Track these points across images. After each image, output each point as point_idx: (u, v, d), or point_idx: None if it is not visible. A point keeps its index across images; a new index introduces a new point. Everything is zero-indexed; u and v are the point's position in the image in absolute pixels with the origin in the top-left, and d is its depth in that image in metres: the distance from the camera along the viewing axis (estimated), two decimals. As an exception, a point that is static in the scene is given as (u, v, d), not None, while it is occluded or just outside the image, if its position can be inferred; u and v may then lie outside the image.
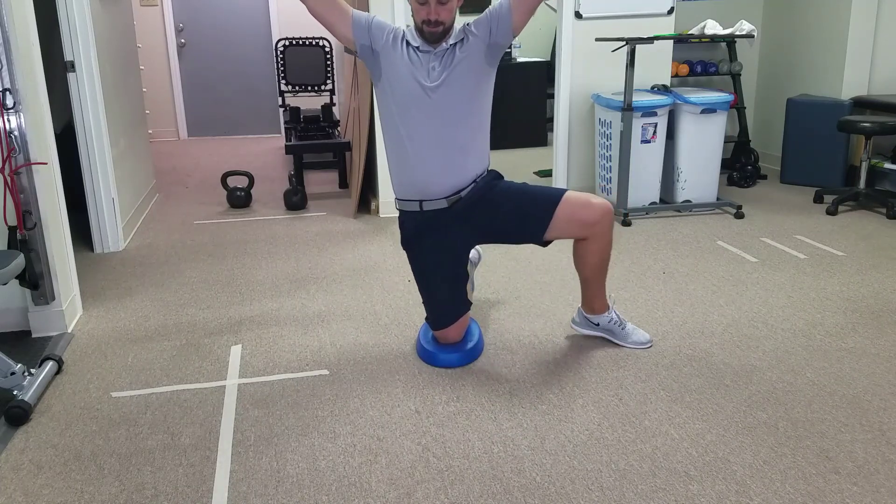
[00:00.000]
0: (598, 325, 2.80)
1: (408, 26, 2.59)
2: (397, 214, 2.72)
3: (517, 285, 3.44)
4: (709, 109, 4.52)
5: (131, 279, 3.68)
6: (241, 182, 5.27)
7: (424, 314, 2.78)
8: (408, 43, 2.52)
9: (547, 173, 5.78)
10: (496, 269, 3.66)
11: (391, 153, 2.62)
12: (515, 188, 2.63)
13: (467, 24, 2.54)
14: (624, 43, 4.35)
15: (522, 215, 2.57)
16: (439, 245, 2.64)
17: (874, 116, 4.62)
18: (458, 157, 2.54)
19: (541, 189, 2.64)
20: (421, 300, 2.77)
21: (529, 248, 3.99)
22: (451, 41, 2.50)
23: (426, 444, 2.18)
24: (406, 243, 2.70)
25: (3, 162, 2.75)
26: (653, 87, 4.83)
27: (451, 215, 2.59)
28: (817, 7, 5.27)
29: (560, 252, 3.93)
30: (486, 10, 2.51)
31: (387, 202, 4.73)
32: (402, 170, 2.59)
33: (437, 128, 2.51)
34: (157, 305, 3.33)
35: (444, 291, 2.68)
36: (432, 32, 2.43)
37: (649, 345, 2.78)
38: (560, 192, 2.56)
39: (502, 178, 2.68)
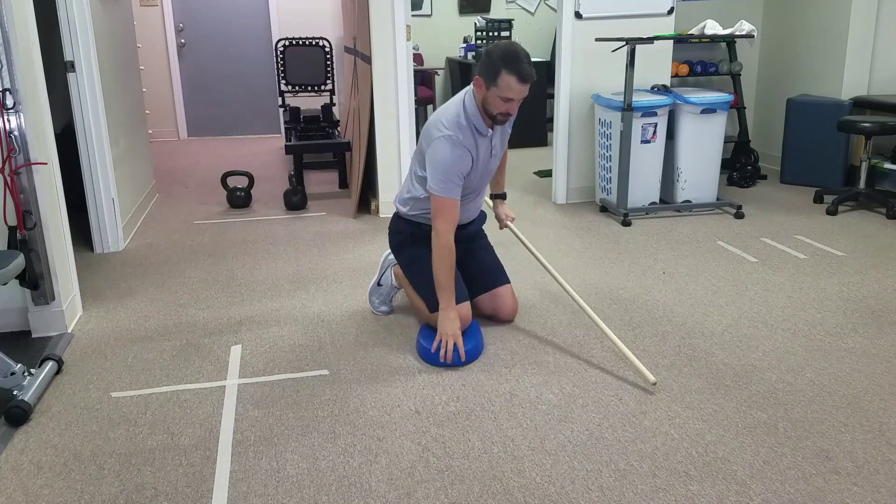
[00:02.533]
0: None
1: (464, 112, 2.70)
2: (392, 213, 3.00)
3: (517, 285, 3.44)
4: (709, 109, 4.52)
5: (131, 279, 3.69)
6: (241, 182, 5.27)
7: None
8: (478, 133, 2.72)
9: (547, 173, 5.79)
10: (496, 269, 3.66)
11: (424, 200, 2.82)
12: (488, 244, 3.15)
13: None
14: (624, 43, 4.35)
15: (487, 272, 3.03)
16: None
17: (874, 116, 4.62)
18: (481, 200, 3.02)
19: (497, 261, 3.12)
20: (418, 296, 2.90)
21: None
22: None
23: (426, 444, 2.18)
24: (412, 237, 2.92)
25: (3, 162, 2.75)
26: (653, 87, 4.83)
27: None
28: (817, 7, 5.27)
29: (559, 253, 3.93)
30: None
31: (387, 202, 4.73)
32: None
33: (483, 186, 2.94)
34: (157, 305, 3.33)
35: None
36: (503, 121, 2.71)
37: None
38: (503, 280, 3.06)
39: (485, 215, 3.17)
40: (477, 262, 3.02)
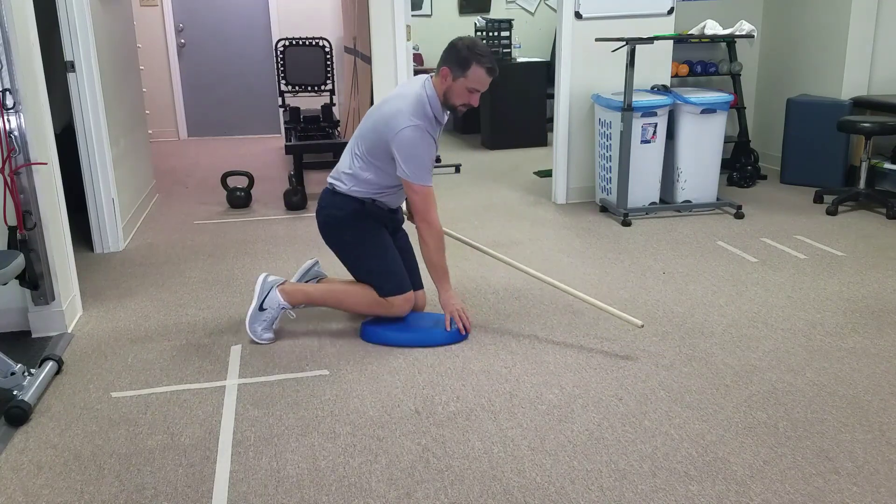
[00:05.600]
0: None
1: (427, 102, 2.75)
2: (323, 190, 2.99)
3: (517, 285, 3.44)
4: (709, 109, 4.52)
5: (131, 279, 3.68)
6: (241, 182, 5.27)
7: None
8: (437, 122, 2.80)
9: (547, 173, 5.78)
10: (496, 268, 3.66)
11: (388, 179, 2.84)
12: (411, 244, 3.15)
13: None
14: (624, 43, 4.35)
15: (414, 277, 3.03)
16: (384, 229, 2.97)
17: (874, 116, 4.62)
18: None
19: None
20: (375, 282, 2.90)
21: (529, 249, 3.99)
22: None
23: (426, 444, 2.18)
24: (354, 214, 2.88)
25: (3, 162, 2.75)
26: (653, 87, 4.83)
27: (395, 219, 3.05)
28: (817, 7, 5.27)
29: (560, 252, 3.93)
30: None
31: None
32: (396, 197, 2.94)
33: None
34: (157, 305, 3.33)
35: (399, 259, 2.94)
36: (462, 111, 2.81)
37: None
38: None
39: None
40: (406, 265, 3.00)
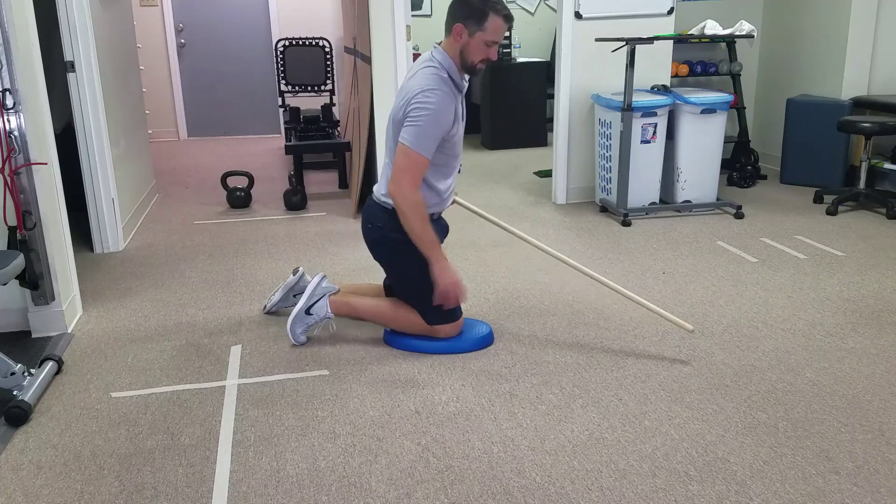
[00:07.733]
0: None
1: (441, 68, 2.61)
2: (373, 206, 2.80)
3: (517, 285, 3.44)
4: (709, 109, 4.52)
5: (131, 279, 3.68)
6: (241, 182, 5.27)
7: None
8: (457, 88, 2.65)
9: (547, 173, 5.78)
10: (496, 269, 3.66)
11: (439, 175, 2.71)
12: None
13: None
14: (624, 43, 4.35)
15: None
16: None
17: (874, 116, 4.62)
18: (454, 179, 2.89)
19: None
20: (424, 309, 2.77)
21: (529, 249, 3.99)
22: None
23: (426, 444, 2.18)
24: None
25: (3, 162, 2.75)
26: (653, 88, 4.83)
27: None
28: (817, 7, 5.27)
29: (560, 252, 3.92)
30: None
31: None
32: (447, 182, 2.77)
33: (460, 155, 2.84)
34: (157, 305, 3.33)
35: None
36: (481, 70, 2.65)
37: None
38: None
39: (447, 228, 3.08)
40: None
